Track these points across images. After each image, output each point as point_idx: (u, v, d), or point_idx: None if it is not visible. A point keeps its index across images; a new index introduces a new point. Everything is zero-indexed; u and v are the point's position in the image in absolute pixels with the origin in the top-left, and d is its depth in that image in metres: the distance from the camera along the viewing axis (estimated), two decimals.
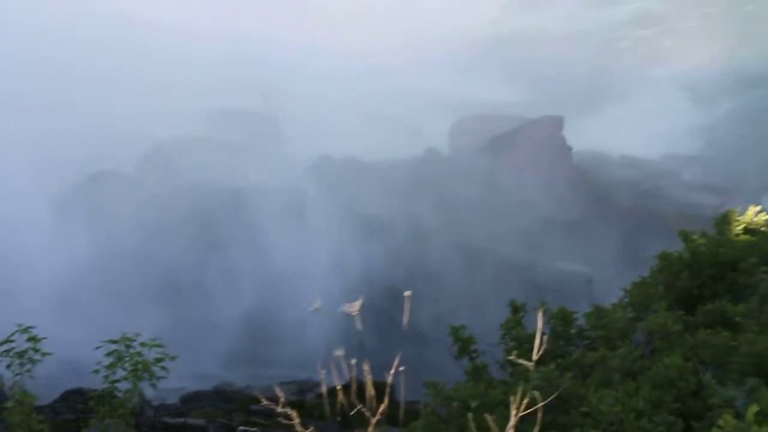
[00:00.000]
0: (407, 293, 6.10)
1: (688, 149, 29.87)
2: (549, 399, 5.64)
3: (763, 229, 10.33)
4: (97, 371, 8.53)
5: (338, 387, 5.04)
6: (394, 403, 4.97)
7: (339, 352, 4.95)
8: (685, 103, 29.31)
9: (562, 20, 31.34)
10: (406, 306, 6.16)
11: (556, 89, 27.64)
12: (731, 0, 26.02)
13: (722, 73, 27.27)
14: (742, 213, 10.59)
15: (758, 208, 10.40)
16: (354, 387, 4.92)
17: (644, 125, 29.13)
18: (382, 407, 4.92)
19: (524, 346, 8.70)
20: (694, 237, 9.45)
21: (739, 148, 27.90)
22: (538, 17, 34.33)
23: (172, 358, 8.66)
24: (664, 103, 28.33)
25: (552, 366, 7.91)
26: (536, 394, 5.28)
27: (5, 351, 8.41)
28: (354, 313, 5.59)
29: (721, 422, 6.32)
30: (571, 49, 26.42)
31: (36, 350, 8.42)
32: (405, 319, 6.03)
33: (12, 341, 8.47)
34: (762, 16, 26.22)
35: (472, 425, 6.31)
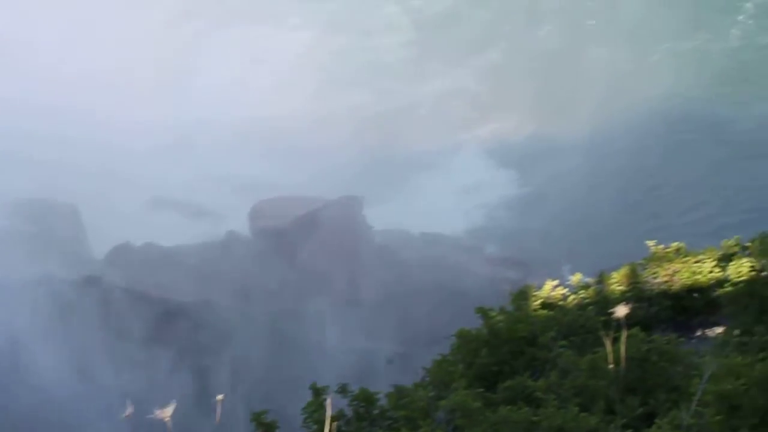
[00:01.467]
0: (219, 397, 6.12)
1: (492, 222, 30.69)
2: None
3: (560, 303, 10.49)
4: None
5: None
6: None
7: None
8: (492, 176, 30.18)
9: (372, 99, 32.19)
10: (218, 409, 6.20)
11: (360, 168, 28.25)
12: (541, 73, 27.49)
13: (533, 144, 28.44)
14: (540, 287, 10.75)
15: (555, 282, 10.57)
16: None
17: (450, 200, 29.88)
18: None
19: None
20: (492, 314, 9.51)
21: (543, 220, 28.91)
22: (346, 98, 35.06)
23: None
24: (470, 176, 29.13)
25: None
26: None
27: None
28: (166, 419, 5.42)
29: None
30: (377, 127, 27.19)
31: None
32: (217, 418, 6.05)
33: None
34: (571, 86, 27.74)
35: None
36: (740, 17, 31.21)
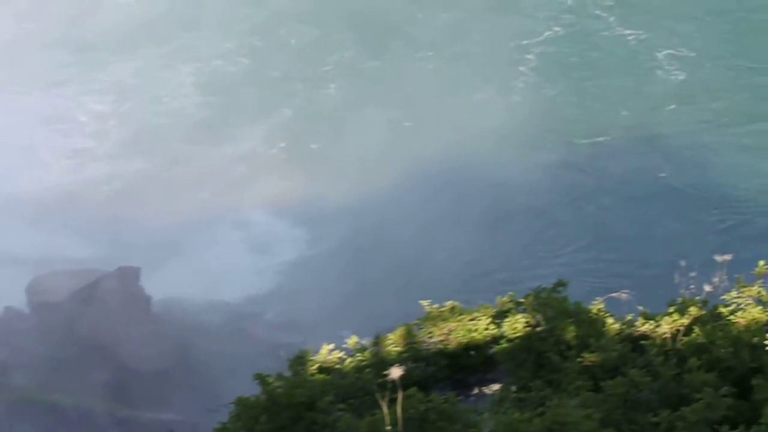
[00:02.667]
0: None
1: (276, 285, 30.62)
2: None
3: (337, 366, 10.44)
4: None
5: None
6: None
7: None
8: (280, 238, 30.14)
9: (162, 165, 31.27)
10: None
11: (140, 239, 27.82)
12: (330, 132, 27.38)
13: (322, 204, 28.57)
14: (317, 351, 10.69)
15: (331, 346, 10.51)
16: None
17: (235, 264, 29.69)
18: None
19: None
20: (270, 380, 9.36)
21: (327, 282, 29.04)
22: (135, 165, 33.93)
23: None
24: (257, 239, 29.07)
25: None
26: None
27: None
28: None
29: None
30: (167, 193, 26.75)
31: None
32: None
33: None
34: (359, 145, 27.89)
35: None
36: (522, 68, 32.20)
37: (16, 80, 31.01)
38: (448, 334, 10.94)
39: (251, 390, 9.56)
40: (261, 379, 9.46)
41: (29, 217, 28.94)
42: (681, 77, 32.36)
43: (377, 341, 10.70)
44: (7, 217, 28.95)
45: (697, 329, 9.80)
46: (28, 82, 30.69)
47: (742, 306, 9.86)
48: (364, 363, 10.38)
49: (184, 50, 31.91)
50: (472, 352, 11.07)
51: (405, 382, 8.09)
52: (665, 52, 32.96)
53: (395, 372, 7.63)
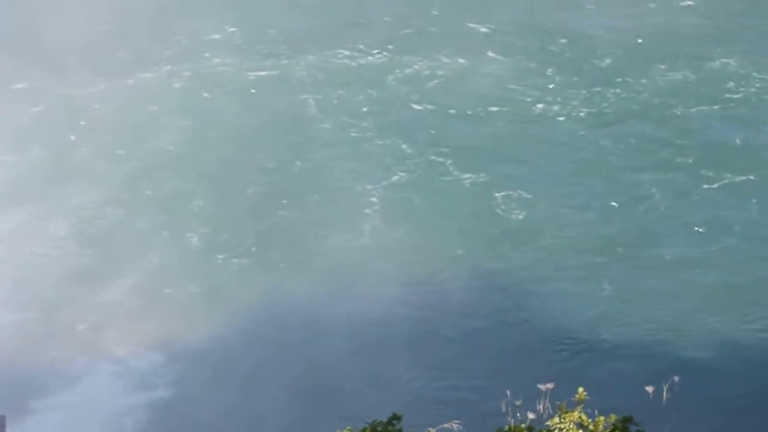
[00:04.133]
0: None
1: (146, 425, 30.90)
2: None
3: None
4: None
5: None
6: None
7: None
8: (150, 378, 30.21)
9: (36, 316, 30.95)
10: None
11: (7, 386, 27.69)
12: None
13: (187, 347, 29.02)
14: None
15: None
16: None
17: (103, 407, 29.77)
18: None
19: None
20: None
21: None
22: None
23: None
24: (125, 381, 29.08)
25: None
26: None
27: None
28: None
29: None
30: (25, 344, 26.67)
31: None
32: None
33: None
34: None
35: None
36: (368, 211, 33.85)
37: None
38: None
39: None
40: None
41: None
42: (519, 217, 34.07)
43: None
44: None
45: None
46: None
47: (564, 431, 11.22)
48: None
49: (58, 203, 32.89)
50: None
51: None
52: (502, 193, 34.82)
53: None
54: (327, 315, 30.78)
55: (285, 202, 33.74)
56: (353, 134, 36.71)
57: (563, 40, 42.12)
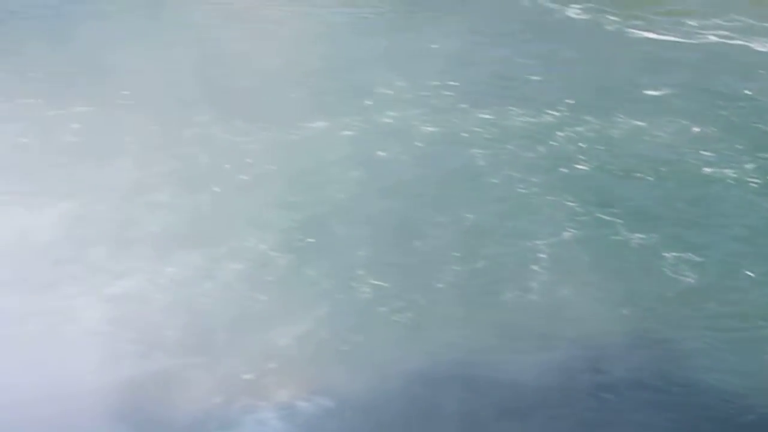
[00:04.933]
0: None
1: None
2: None
3: None
4: None
5: None
6: None
7: None
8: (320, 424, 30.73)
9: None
10: None
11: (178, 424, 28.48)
12: None
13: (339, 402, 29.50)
14: None
15: None
16: None
17: None
18: None
19: None
20: None
21: None
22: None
23: None
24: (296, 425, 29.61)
25: None
26: None
27: None
28: None
29: None
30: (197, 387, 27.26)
31: None
32: None
33: None
34: None
35: None
36: (535, 268, 33.62)
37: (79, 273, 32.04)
38: None
39: None
40: None
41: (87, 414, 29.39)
42: (688, 279, 33.53)
43: None
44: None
45: None
46: (87, 276, 31.76)
47: None
48: None
49: (228, 248, 33.16)
50: None
51: None
52: (671, 255, 34.33)
53: None
54: (487, 373, 30.53)
55: (455, 254, 33.67)
56: (521, 190, 36.60)
57: (736, 105, 41.67)
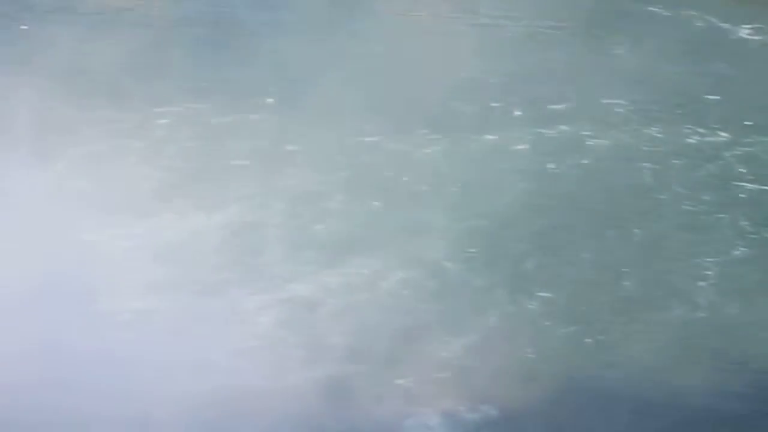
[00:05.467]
0: None
1: None
2: None
3: None
4: None
5: None
6: None
7: None
8: None
9: None
10: None
11: None
12: None
13: None
14: None
15: None
16: None
17: None
18: None
19: None
20: None
21: None
22: None
23: None
24: None
25: None
26: None
27: None
28: None
29: None
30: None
31: None
32: None
33: None
34: None
35: None
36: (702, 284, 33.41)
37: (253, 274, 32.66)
38: None
39: None
40: None
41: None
42: None
43: None
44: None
45: None
46: (256, 280, 32.33)
47: None
48: None
49: (397, 256, 33.57)
50: None
51: None
52: None
53: None
54: (660, 392, 30.10)
55: (623, 269, 33.70)
56: (690, 207, 36.42)
57: None
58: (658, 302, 33.00)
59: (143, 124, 39.73)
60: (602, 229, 35.51)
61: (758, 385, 30.67)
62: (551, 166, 38.58)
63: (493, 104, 41.81)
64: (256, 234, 34.34)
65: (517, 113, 41.28)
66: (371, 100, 40.69)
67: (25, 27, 49.12)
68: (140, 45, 44.83)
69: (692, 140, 40.41)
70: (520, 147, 39.37)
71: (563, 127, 40.66)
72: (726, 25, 50.70)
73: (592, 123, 40.90)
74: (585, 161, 38.80)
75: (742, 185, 38.05)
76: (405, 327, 30.57)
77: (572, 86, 43.29)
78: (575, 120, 41.10)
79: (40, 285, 29.42)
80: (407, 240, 33.83)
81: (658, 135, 40.57)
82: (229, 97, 41.89)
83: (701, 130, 40.94)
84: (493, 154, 38.68)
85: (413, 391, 29.58)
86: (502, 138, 39.84)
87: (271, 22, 48.40)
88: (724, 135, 40.80)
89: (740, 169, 38.85)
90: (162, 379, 26.85)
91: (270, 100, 42.08)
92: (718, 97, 43.75)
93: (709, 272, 34.04)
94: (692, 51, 48.48)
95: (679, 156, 39.22)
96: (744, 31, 50.35)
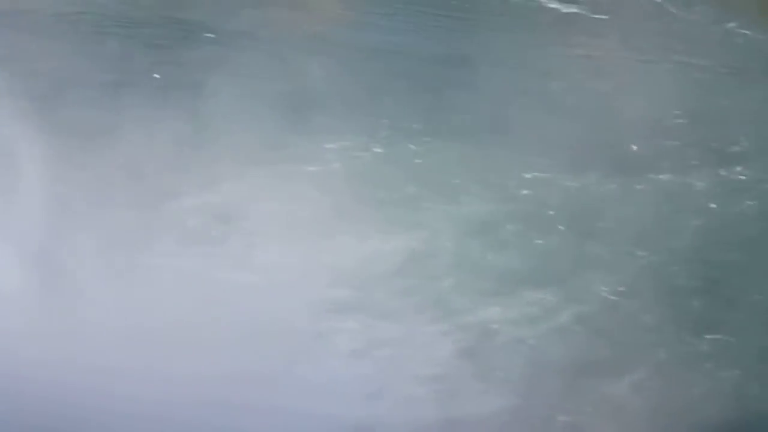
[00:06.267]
0: None
1: None
2: None
3: None
4: None
5: None
6: None
7: None
8: None
9: None
10: None
11: None
12: None
13: None
14: None
15: None
16: None
17: None
18: None
19: None
20: None
21: None
22: None
23: None
24: None
25: None
26: None
27: None
28: None
29: None
30: None
31: None
32: None
33: None
34: None
35: None
36: None
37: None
38: None
39: None
40: None
41: None
42: None
43: None
44: None
45: None
46: (431, 308, 32.90)
47: None
48: None
49: (569, 292, 33.81)
50: None
51: None
52: None
53: None
54: None
55: None
56: None
57: None
58: None
59: (319, 150, 40.69)
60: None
61: None
62: (726, 206, 38.45)
63: (669, 144, 41.74)
64: (429, 262, 34.86)
65: (691, 153, 41.11)
66: (540, 135, 41.04)
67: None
68: (323, 73, 45.99)
69: None
70: (695, 187, 39.35)
71: (739, 168, 40.46)
72: None
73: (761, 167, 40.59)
74: (763, 204, 38.57)
75: None
76: (572, 361, 30.78)
77: (750, 129, 42.91)
78: (752, 162, 40.84)
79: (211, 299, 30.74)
80: (580, 275, 34.09)
81: None
82: (423, 126, 42.54)
83: None
84: (667, 194, 38.70)
85: (576, 428, 29.91)
86: (677, 178, 39.85)
87: (453, 56, 49.06)
88: None
89: None
90: (335, 403, 27.48)
91: (437, 126, 42.68)
92: None
93: None
94: None
95: None
96: None
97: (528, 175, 39.91)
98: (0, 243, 31.65)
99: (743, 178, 40.02)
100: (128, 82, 44.37)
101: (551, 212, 38.22)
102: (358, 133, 41.76)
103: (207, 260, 32.49)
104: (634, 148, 41.52)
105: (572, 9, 51.68)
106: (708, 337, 32.26)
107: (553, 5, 51.07)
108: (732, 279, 35.01)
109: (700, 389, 30.49)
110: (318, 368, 29.10)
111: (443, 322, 31.90)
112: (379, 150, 41.02)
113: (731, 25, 51.24)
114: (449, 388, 29.13)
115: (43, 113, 36.61)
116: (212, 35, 50.43)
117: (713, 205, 38.61)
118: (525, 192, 39.01)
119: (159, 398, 26.37)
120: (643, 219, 37.78)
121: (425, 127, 42.60)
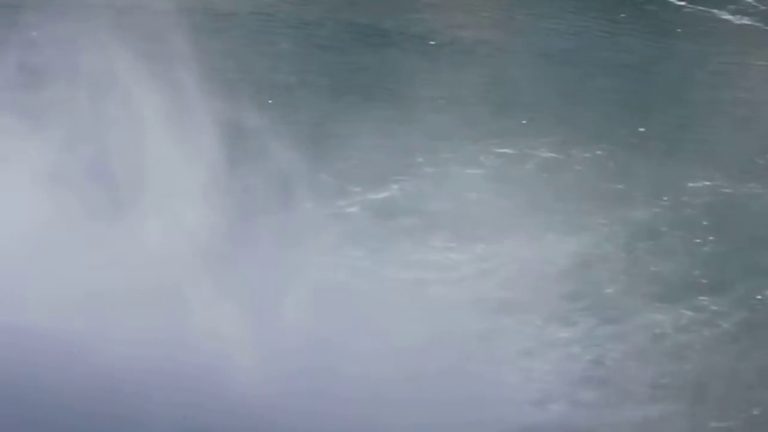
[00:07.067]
0: None
1: None
2: None
3: None
4: None
5: None
6: None
7: None
8: None
9: None
10: None
11: None
12: None
13: None
14: None
15: None
16: None
17: None
18: None
19: None
20: None
21: None
22: None
23: None
24: None
25: None
26: None
27: None
28: None
29: None
30: None
31: None
32: None
33: None
34: None
35: None
36: None
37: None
38: None
39: None
40: None
41: None
42: None
43: None
44: None
45: None
46: (598, 311, 33.32)
47: None
48: None
49: (736, 298, 33.72)
50: None
51: None
52: None
53: None
54: None
55: None
56: None
57: None
58: None
59: (488, 153, 41.28)
60: None
61: None
62: None
63: None
64: (595, 267, 34.94)
65: None
66: (709, 145, 41.20)
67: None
68: (490, 77, 46.77)
69: None
70: None
71: None
72: None
73: None
74: None
75: None
76: (732, 370, 30.62)
77: None
78: None
79: (387, 297, 31.46)
80: (747, 281, 34.26)
81: None
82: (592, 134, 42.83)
83: None
84: None
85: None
86: None
87: (624, 65, 49.13)
88: None
89: None
90: (504, 401, 28.07)
91: (607, 134, 42.96)
92: None
93: None
94: None
95: None
96: None
97: (694, 184, 40.08)
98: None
99: None
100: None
101: (716, 219, 38.36)
102: (527, 137, 42.47)
103: (375, 257, 33.62)
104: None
105: (744, 21, 51.48)
106: None
107: (726, 16, 50.89)
108: None
109: None
110: (487, 368, 29.56)
111: (611, 325, 32.10)
112: (548, 155, 41.65)
113: None
114: (617, 392, 29.36)
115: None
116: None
117: None
118: (689, 199, 39.16)
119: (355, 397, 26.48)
120: None
121: (594, 135, 43.02)
